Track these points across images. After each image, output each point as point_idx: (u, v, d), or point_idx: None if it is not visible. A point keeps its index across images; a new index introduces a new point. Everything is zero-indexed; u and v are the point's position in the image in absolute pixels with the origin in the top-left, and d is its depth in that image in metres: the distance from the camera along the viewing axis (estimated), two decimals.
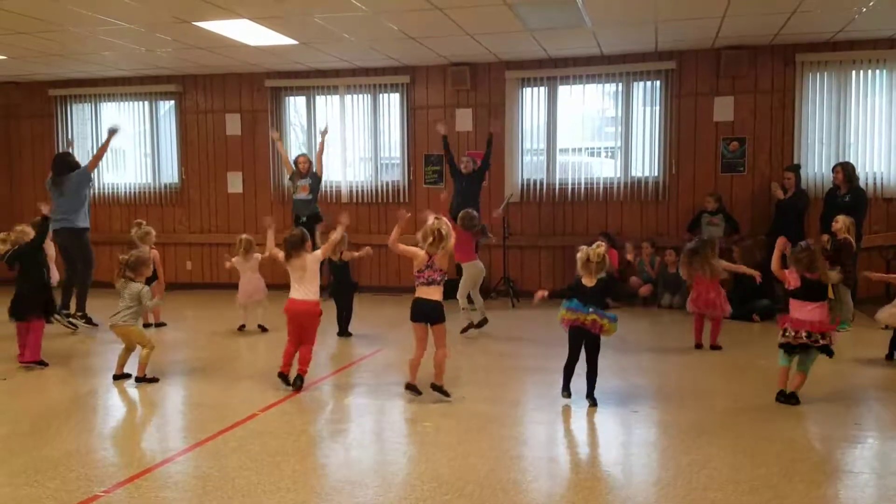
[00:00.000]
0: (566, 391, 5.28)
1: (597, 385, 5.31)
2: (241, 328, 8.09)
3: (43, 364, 6.39)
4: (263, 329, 8.03)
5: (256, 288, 8.06)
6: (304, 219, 9.90)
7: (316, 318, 5.77)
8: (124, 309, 5.99)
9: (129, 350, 6.12)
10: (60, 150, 10.19)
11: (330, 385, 5.98)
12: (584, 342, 5.22)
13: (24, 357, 6.35)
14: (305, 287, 5.72)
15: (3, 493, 3.84)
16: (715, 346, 7.06)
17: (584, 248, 5.30)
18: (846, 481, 4.03)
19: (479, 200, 9.52)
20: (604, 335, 5.16)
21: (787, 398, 5.23)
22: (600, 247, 5.25)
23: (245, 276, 8.06)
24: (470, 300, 7.75)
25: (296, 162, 10.30)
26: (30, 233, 6.75)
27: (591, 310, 5.10)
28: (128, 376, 6.07)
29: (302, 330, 5.73)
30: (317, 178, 10.21)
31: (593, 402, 5.19)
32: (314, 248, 9.38)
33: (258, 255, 8.08)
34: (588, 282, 5.22)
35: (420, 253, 5.34)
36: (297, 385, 5.61)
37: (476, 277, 7.68)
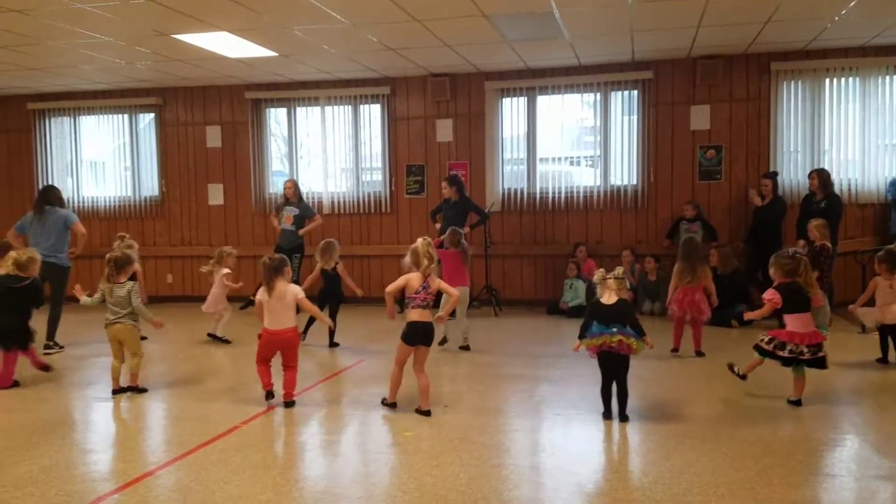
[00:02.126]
0: (608, 414, 5.14)
1: (580, 391, 5.34)
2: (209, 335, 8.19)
3: (15, 384, 6.33)
4: (214, 338, 8.11)
5: (215, 299, 8.14)
6: (285, 249, 9.75)
7: (296, 342, 5.66)
8: (119, 311, 6.01)
9: (119, 359, 6.08)
10: (50, 184, 9.89)
11: (312, 396, 5.97)
12: (614, 363, 5.08)
13: (1, 385, 6.26)
14: (284, 315, 5.57)
15: None
16: (699, 353, 7.08)
17: (601, 270, 5.26)
18: (824, 484, 4.08)
19: (464, 225, 9.48)
20: (632, 354, 5.06)
21: (793, 403, 5.35)
22: (618, 269, 5.24)
23: (213, 286, 8.21)
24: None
25: (284, 188, 10.30)
26: (38, 261, 6.52)
27: (615, 330, 4.98)
28: (124, 390, 6.07)
29: (280, 353, 5.61)
30: (306, 209, 10.11)
31: (626, 418, 5.08)
32: (294, 276, 9.42)
33: (226, 270, 8.11)
34: (608, 299, 5.10)
35: (413, 277, 5.29)
36: (291, 406, 5.56)
37: (463, 302, 7.66)
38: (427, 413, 5.27)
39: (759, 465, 4.23)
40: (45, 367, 6.60)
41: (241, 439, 4.88)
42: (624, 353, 5.01)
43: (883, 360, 6.66)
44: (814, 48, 9.30)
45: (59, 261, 7.92)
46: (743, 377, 5.67)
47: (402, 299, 5.50)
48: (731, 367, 5.78)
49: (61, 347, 7.88)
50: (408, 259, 5.34)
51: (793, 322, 5.32)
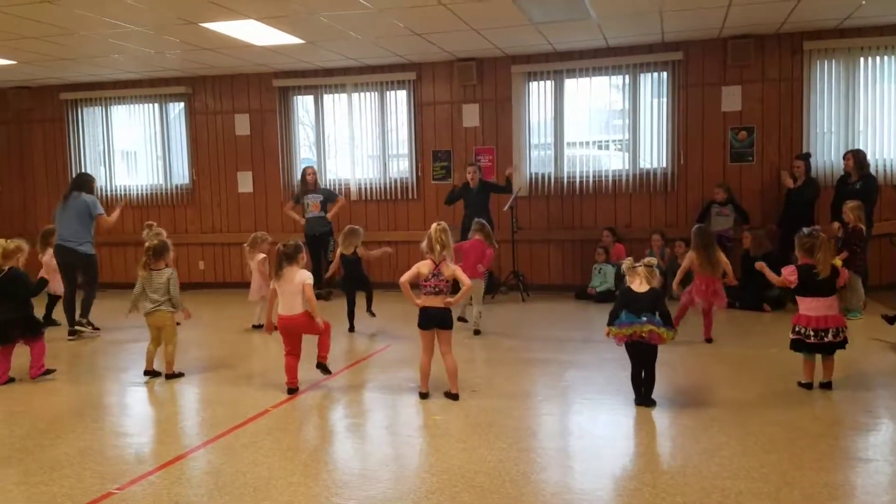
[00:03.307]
0: (639, 400, 5.09)
1: (607, 376, 5.31)
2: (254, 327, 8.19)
3: (49, 371, 6.26)
4: (256, 328, 8.08)
5: (256, 287, 8.14)
6: (317, 235, 10.08)
7: (311, 323, 5.62)
8: (158, 297, 6.11)
9: (155, 344, 6.20)
10: (84, 171, 10.06)
11: (340, 381, 6.02)
12: (643, 352, 5.03)
13: (31, 374, 6.21)
14: (292, 300, 5.60)
15: (20, 491, 3.91)
16: (709, 340, 6.98)
17: (629, 258, 5.23)
18: (857, 468, 4.02)
19: (489, 210, 9.49)
20: (661, 343, 5.02)
21: (823, 386, 5.29)
22: (650, 258, 5.19)
23: (252, 273, 8.23)
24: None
25: (303, 174, 10.41)
26: (25, 250, 6.47)
27: (644, 319, 4.92)
28: (158, 374, 6.19)
29: (300, 341, 5.66)
30: (330, 194, 10.27)
31: (652, 403, 5.06)
32: (328, 262, 9.58)
33: (261, 256, 8.13)
34: (638, 287, 5.06)
35: (423, 265, 5.32)
36: (325, 373, 5.70)
37: (478, 292, 7.67)
38: (455, 397, 5.29)
39: (790, 449, 4.19)
40: (47, 371, 6.26)
41: (271, 423, 4.94)
42: (655, 342, 4.97)
43: None
44: (847, 26, 9.09)
45: (80, 248, 7.96)
46: (809, 385, 5.35)
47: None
48: (799, 383, 5.46)
49: (97, 329, 8.05)
50: (424, 245, 5.38)
51: (805, 305, 5.24)
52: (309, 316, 5.62)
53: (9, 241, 6.39)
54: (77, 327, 7.92)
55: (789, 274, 5.27)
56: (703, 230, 7.16)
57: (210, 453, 4.41)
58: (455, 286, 5.41)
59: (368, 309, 8.02)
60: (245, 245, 8.43)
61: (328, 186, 10.87)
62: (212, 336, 8.05)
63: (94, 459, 4.33)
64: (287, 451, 4.37)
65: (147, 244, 6.34)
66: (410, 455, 4.40)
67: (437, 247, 5.26)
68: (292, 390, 5.60)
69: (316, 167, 10.79)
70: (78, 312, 8.00)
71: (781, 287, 5.51)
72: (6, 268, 6.20)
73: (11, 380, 6.17)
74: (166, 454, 4.40)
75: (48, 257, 8.33)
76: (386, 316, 8.34)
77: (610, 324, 5.09)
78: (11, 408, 5.48)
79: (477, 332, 7.59)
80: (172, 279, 6.18)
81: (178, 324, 8.12)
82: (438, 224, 5.38)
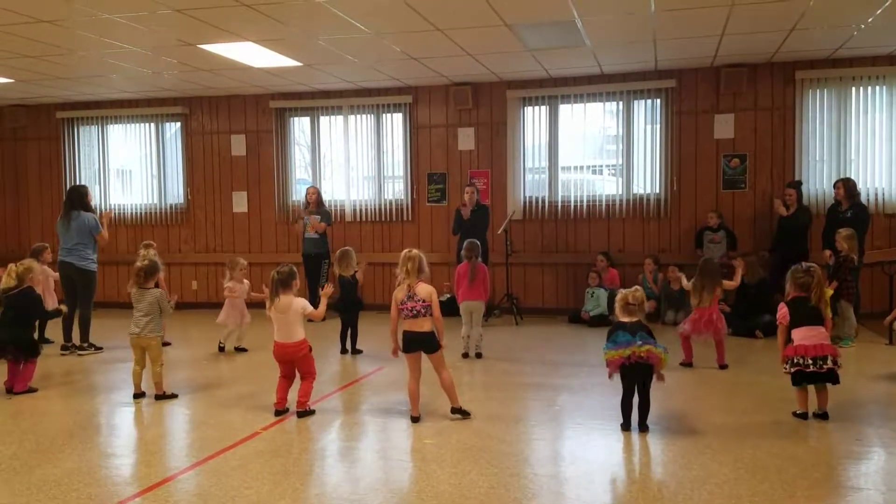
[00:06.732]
0: (627, 425, 5.09)
1: (600, 401, 5.30)
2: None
3: (32, 390, 6.36)
4: (221, 349, 8.05)
5: (223, 309, 8.13)
6: (312, 256, 10.19)
7: (307, 355, 5.60)
8: (143, 317, 6.10)
9: (140, 364, 6.19)
10: (76, 184, 10.13)
11: (331, 403, 5.99)
12: (638, 374, 5.01)
13: (16, 389, 6.32)
14: (289, 329, 5.55)
15: None
16: (723, 366, 6.96)
17: (622, 291, 5.23)
18: (848, 497, 4.02)
19: (485, 236, 9.51)
20: (659, 367, 5.01)
21: (818, 416, 5.27)
22: (638, 290, 5.19)
23: None
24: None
25: (305, 194, 10.51)
26: (35, 271, 6.60)
27: (640, 342, 4.92)
28: (143, 394, 6.19)
29: (295, 368, 5.62)
30: (327, 216, 10.36)
31: (646, 429, 5.05)
32: (323, 282, 9.59)
33: (229, 285, 8.11)
34: (627, 319, 5.09)
35: (397, 292, 5.35)
36: (308, 414, 5.55)
37: (478, 312, 7.67)
38: (460, 410, 5.32)
39: (782, 477, 4.18)
40: (31, 390, 6.40)
41: (261, 445, 4.91)
42: (653, 362, 4.97)
43: None
44: (840, 56, 9.21)
45: (80, 264, 8.03)
46: (804, 415, 5.33)
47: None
48: (794, 413, 5.43)
49: (99, 349, 8.09)
50: (398, 272, 5.42)
51: (799, 335, 5.23)
52: (304, 344, 5.59)
53: (18, 263, 6.53)
54: (79, 352, 7.97)
55: (782, 318, 5.28)
56: (705, 262, 7.19)
57: (199, 475, 4.37)
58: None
59: (354, 349, 7.95)
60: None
61: (325, 207, 10.87)
62: (203, 357, 8.00)
63: (82, 480, 4.28)
64: (276, 475, 4.34)
65: (137, 265, 6.33)
66: (401, 479, 4.37)
67: (402, 274, 5.29)
68: (280, 412, 5.57)
69: (313, 188, 10.80)
70: (78, 337, 8.03)
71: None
72: (23, 286, 6.40)
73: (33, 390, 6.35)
74: (155, 476, 4.37)
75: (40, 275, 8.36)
76: (378, 338, 8.30)
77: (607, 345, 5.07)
78: None
79: (479, 356, 7.58)
80: (162, 299, 6.19)
81: (168, 343, 8.14)
82: (409, 251, 5.38)
